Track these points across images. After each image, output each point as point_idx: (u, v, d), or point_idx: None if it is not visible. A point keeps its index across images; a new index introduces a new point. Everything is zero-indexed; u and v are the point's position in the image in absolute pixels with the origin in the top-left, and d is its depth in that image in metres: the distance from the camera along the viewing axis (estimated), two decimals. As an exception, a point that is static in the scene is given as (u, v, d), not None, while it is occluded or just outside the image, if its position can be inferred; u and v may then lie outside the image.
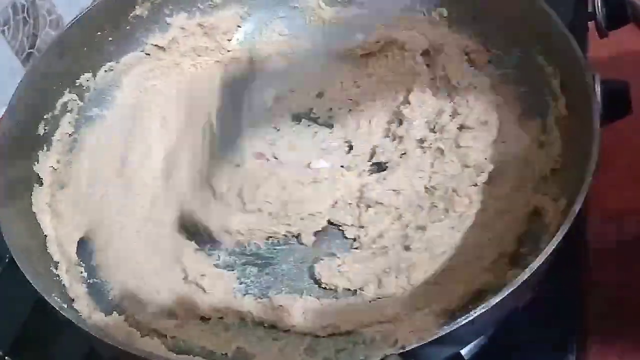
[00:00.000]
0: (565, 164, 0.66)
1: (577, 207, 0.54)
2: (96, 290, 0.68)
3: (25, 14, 0.94)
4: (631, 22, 0.71)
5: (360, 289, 0.66)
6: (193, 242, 0.72)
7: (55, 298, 0.57)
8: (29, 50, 0.96)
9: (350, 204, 0.73)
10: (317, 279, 0.68)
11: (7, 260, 0.72)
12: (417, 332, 0.57)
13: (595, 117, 0.59)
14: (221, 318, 0.66)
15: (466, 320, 0.48)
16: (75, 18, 0.77)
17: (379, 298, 0.65)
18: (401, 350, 0.47)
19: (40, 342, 0.69)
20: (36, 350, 0.69)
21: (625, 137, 0.65)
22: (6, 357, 0.67)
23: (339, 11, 0.89)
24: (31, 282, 0.54)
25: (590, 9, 0.74)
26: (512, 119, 0.73)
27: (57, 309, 0.53)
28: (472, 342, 0.56)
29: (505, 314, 0.57)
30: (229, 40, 0.90)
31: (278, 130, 0.82)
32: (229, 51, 0.89)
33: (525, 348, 0.64)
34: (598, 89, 0.61)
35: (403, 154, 0.75)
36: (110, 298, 0.67)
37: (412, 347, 0.47)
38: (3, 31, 0.90)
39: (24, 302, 0.70)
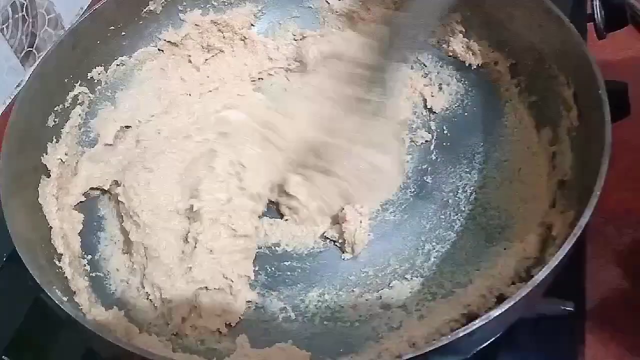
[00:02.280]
0: (573, 175, 0.65)
1: (583, 222, 0.53)
2: (98, 284, 0.68)
3: (24, 13, 0.94)
4: (629, 24, 0.70)
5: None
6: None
7: (56, 291, 0.57)
8: (28, 49, 0.96)
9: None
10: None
11: (4, 259, 0.73)
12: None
13: (608, 131, 0.58)
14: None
15: (465, 332, 0.48)
16: (88, 11, 0.78)
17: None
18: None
19: (38, 341, 0.69)
20: (33, 349, 0.69)
21: (625, 139, 0.65)
22: (3, 357, 0.68)
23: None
24: (32, 273, 0.54)
25: (589, 11, 0.74)
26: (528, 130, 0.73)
27: (56, 302, 0.52)
28: (473, 352, 0.55)
29: (507, 325, 0.56)
30: (242, 39, 0.89)
31: None
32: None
33: (525, 350, 0.64)
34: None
35: None
36: (111, 292, 0.67)
37: (408, 357, 0.47)
38: (2, 30, 0.90)
39: (22, 302, 0.70)
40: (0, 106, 0.95)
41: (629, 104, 0.64)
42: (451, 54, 0.85)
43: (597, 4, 0.70)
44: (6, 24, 0.91)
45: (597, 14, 0.71)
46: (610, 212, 0.73)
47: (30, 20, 0.96)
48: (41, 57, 0.73)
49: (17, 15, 0.93)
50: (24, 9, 0.94)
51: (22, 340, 0.69)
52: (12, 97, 0.97)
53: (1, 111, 0.96)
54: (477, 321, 0.49)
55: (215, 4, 0.87)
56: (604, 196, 0.54)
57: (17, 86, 0.97)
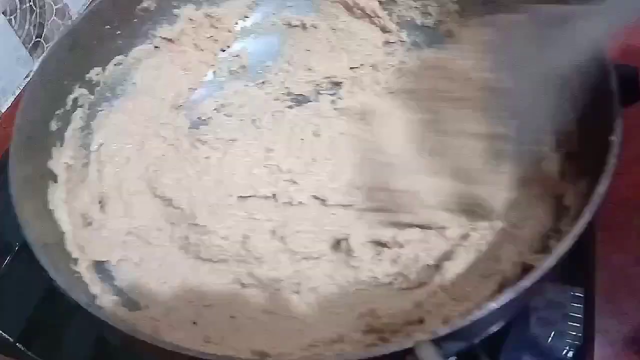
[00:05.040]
0: (582, 146, 0.66)
1: (602, 189, 0.54)
2: (118, 288, 0.67)
3: (32, 3, 0.94)
4: None
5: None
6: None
7: (81, 295, 0.56)
8: (36, 39, 0.95)
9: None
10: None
11: (17, 248, 0.73)
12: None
13: (615, 94, 0.58)
14: None
15: (496, 306, 0.49)
16: (83, 12, 0.77)
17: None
18: (433, 337, 0.47)
19: (50, 328, 0.70)
20: (46, 336, 0.70)
21: (636, 124, 0.65)
22: (17, 344, 0.68)
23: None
24: (54, 278, 0.54)
25: None
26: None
27: (83, 306, 0.52)
28: (501, 325, 0.55)
29: (530, 299, 0.57)
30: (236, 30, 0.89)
31: None
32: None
33: (533, 333, 0.64)
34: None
35: None
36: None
37: (445, 333, 0.47)
38: (10, 20, 0.89)
39: (34, 289, 0.70)
40: (9, 97, 0.95)
41: (639, 89, 0.64)
42: (447, 34, 0.85)
43: (608, -14, 0.70)
44: (14, 15, 0.90)
45: (608, -2, 0.71)
46: (621, 197, 0.71)
47: (38, 11, 0.95)
48: (40, 60, 0.72)
49: (24, 6, 0.92)
50: (32, -1, 0.94)
51: (35, 327, 0.69)
52: (21, 88, 0.97)
53: (11, 101, 0.96)
54: (504, 296, 0.49)
55: (208, -4, 0.86)
56: (613, 183, 0.54)
57: (26, 77, 0.97)
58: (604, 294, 0.67)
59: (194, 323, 0.64)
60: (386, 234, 0.69)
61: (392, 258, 0.67)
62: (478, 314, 0.48)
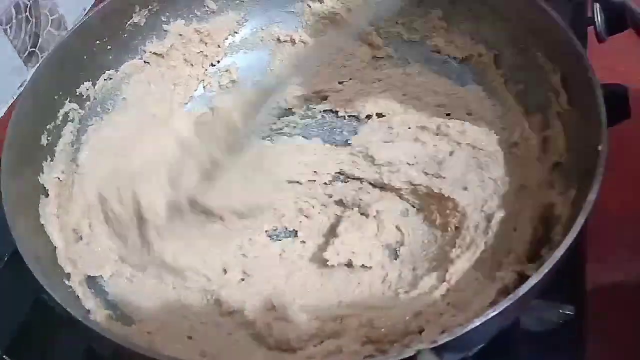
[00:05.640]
0: (569, 157, 0.67)
1: (592, 196, 0.55)
2: (111, 302, 0.67)
3: (28, 13, 0.94)
4: (630, 27, 0.72)
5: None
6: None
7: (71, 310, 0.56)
8: (31, 49, 0.96)
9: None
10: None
11: (6, 259, 0.72)
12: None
13: (601, 106, 0.59)
14: None
15: (495, 313, 0.49)
16: (73, 27, 0.77)
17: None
18: (433, 345, 0.48)
19: (39, 340, 0.69)
20: (34, 349, 0.69)
21: (625, 142, 0.65)
22: (4, 356, 0.66)
23: (335, 15, 0.89)
24: (52, 294, 0.53)
25: (589, 15, 0.75)
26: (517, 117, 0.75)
27: (79, 319, 0.51)
28: (498, 331, 0.56)
29: (525, 306, 0.57)
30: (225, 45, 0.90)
31: None
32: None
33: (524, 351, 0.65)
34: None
35: None
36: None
37: (444, 341, 0.48)
38: (5, 30, 0.90)
39: (23, 301, 0.69)
40: (4, 106, 0.95)
41: (629, 107, 0.65)
42: (434, 48, 0.87)
43: (597, 7, 0.71)
44: (10, 25, 0.90)
45: (597, 17, 0.72)
46: (612, 214, 0.72)
47: (34, 21, 0.95)
48: (31, 74, 0.72)
49: (20, 16, 0.92)
50: (28, 9, 0.94)
51: (23, 340, 0.68)
52: (15, 97, 0.97)
53: (4, 111, 0.96)
54: (500, 303, 0.50)
55: (198, 13, 0.87)
56: (604, 199, 0.54)
57: (20, 86, 0.97)
58: (594, 312, 0.67)
59: (189, 337, 0.63)
60: None
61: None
62: (478, 321, 0.49)
